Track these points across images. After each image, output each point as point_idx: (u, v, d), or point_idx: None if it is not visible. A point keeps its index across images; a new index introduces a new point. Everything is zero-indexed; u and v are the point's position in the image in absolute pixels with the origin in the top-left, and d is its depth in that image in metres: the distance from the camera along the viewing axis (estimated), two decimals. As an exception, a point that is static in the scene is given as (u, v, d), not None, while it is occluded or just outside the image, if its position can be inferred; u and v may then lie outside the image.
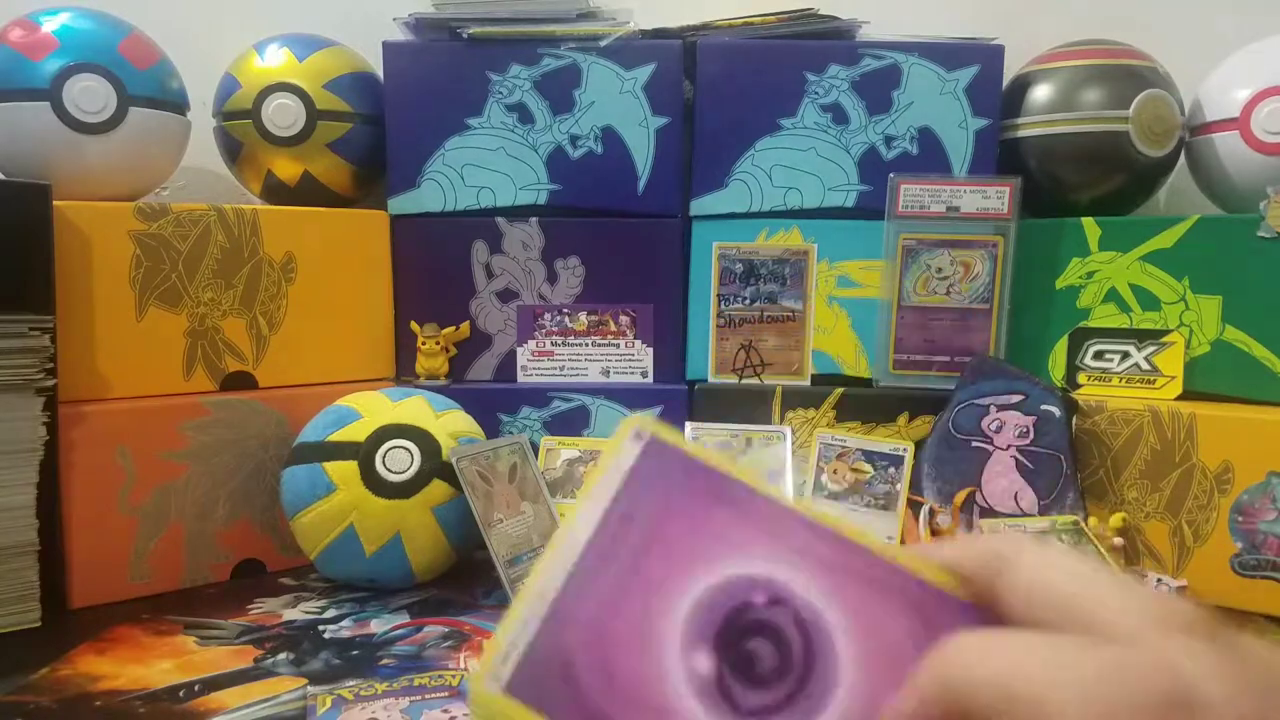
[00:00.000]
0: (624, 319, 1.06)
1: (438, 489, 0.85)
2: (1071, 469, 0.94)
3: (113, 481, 0.85)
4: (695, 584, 0.23)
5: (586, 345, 1.07)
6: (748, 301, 1.06)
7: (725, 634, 0.23)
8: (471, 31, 1.00)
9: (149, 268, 0.87)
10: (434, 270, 1.05)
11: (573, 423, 1.04)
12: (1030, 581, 0.23)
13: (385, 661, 0.73)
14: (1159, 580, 0.88)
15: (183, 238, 0.89)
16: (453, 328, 1.05)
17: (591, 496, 0.25)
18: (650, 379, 1.07)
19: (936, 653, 0.22)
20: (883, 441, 0.99)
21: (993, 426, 0.96)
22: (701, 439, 1.01)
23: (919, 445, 0.99)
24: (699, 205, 1.04)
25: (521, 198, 1.04)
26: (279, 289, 0.95)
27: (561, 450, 1.01)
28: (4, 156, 0.89)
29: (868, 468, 0.97)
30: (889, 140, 1.03)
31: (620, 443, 0.26)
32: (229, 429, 0.91)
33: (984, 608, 0.24)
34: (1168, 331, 0.96)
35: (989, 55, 1.02)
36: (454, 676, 0.69)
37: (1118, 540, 0.90)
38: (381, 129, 1.03)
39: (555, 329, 1.06)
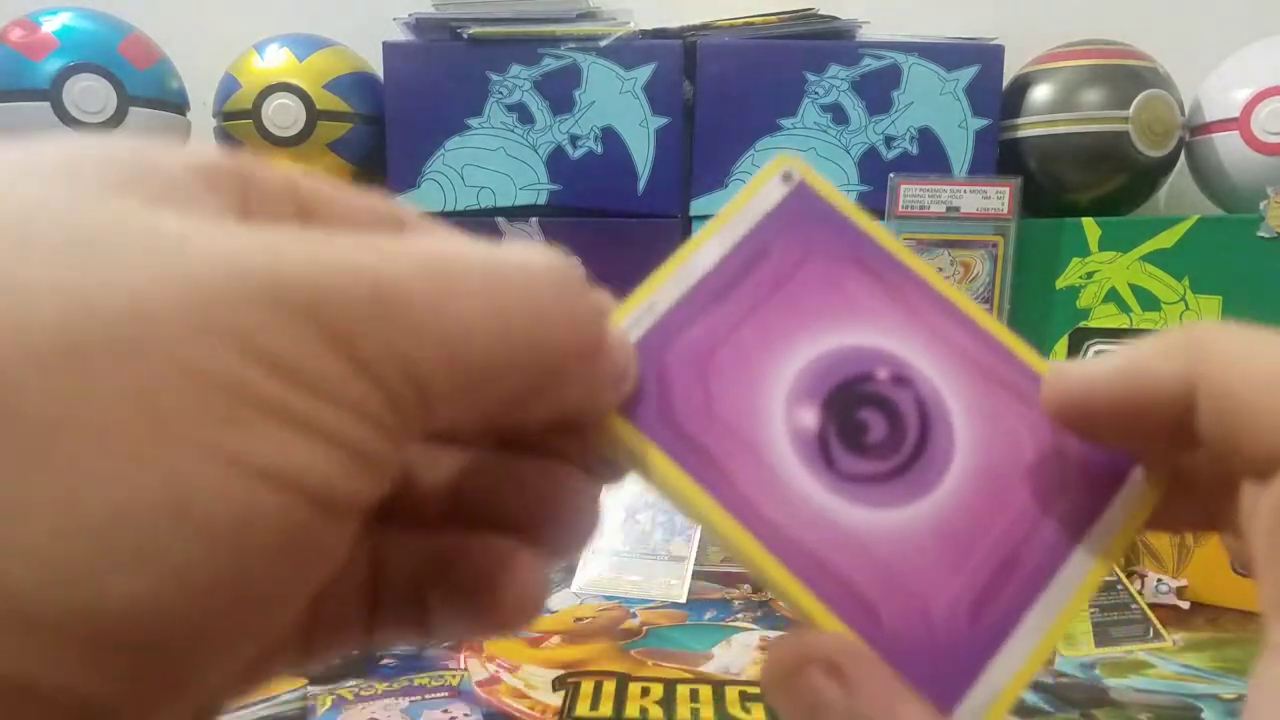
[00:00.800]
0: (624, 319, 1.06)
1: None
2: (1071, 469, 0.94)
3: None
4: (816, 341, 0.22)
5: (586, 345, 1.07)
6: (748, 301, 1.06)
7: (837, 398, 0.21)
8: (471, 31, 1.00)
9: (149, 268, 0.87)
10: (434, 270, 1.05)
11: (573, 423, 1.04)
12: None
13: (385, 661, 0.73)
14: (1159, 580, 0.88)
15: (183, 238, 0.89)
16: (453, 328, 1.05)
17: (726, 222, 0.22)
18: (650, 379, 1.07)
19: (1189, 335, 0.19)
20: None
21: (993, 426, 0.96)
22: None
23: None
24: (699, 205, 1.04)
25: (521, 198, 1.04)
26: (279, 289, 0.95)
27: (561, 450, 1.01)
28: (4, 156, 0.89)
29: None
30: (889, 140, 1.03)
31: (767, 179, 0.23)
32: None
33: None
34: (1168, 331, 0.96)
35: (989, 55, 1.02)
36: (454, 676, 0.69)
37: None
38: (381, 129, 1.03)
39: (555, 329, 1.06)
